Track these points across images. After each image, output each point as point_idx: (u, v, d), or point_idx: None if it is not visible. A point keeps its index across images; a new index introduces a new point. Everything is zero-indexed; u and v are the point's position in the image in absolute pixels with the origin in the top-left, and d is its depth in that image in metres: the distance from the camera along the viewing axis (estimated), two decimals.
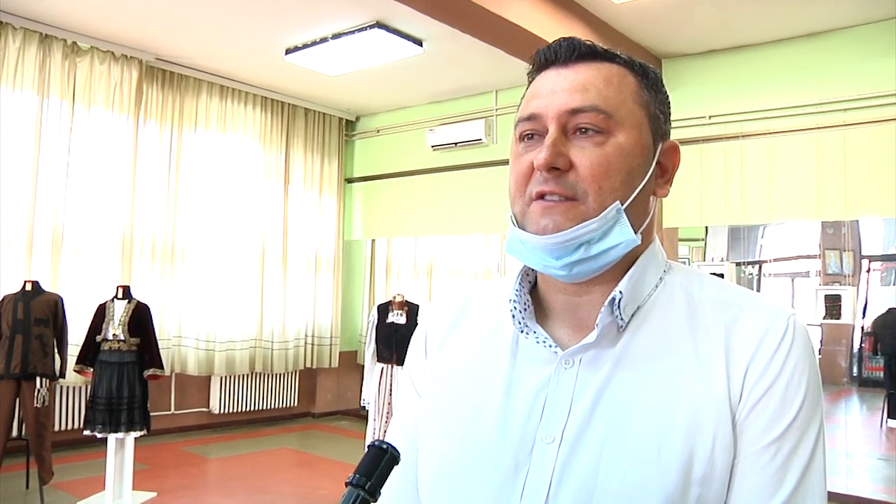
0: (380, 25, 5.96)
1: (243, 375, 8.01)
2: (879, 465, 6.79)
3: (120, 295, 5.36)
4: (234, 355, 7.76)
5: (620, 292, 0.89)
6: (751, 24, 5.72)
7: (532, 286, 0.99)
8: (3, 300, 5.25)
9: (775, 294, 9.64)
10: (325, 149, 8.83)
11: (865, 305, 9.10)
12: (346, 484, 0.76)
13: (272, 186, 8.23)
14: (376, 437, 5.70)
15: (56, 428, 6.28)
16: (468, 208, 7.80)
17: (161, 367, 5.42)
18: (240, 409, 8.04)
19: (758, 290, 9.34)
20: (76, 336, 5.72)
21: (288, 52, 6.67)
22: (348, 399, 9.02)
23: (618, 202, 0.88)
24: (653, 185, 0.94)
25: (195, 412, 7.77)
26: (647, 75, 0.95)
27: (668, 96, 0.99)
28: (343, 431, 8.23)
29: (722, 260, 9.04)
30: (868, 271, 9.21)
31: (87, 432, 5.16)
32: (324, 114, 8.80)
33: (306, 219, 8.58)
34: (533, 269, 0.97)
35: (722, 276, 7.96)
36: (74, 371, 5.36)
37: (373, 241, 9.25)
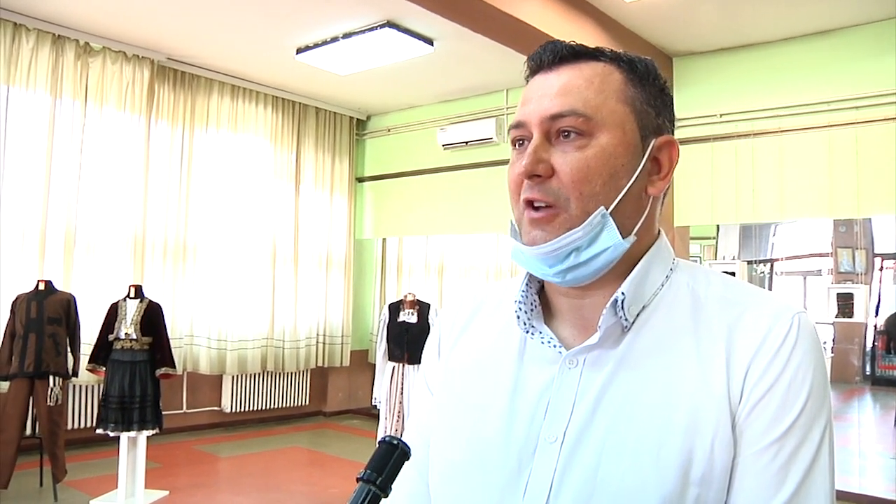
0: (390, 25, 5.97)
1: (255, 374, 8.03)
2: (892, 465, 6.75)
3: (132, 294, 5.39)
4: (246, 354, 7.78)
5: (623, 293, 0.89)
6: (762, 22, 5.70)
7: (541, 286, 1.00)
8: (16, 299, 5.29)
9: (787, 292, 9.60)
10: (336, 148, 8.84)
11: (878, 304, 9.05)
12: (358, 479, 0.76)
13: (283, 186, 8.25)
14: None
15: (69, 426, 6.31)
16: (479, 207, 7.80)
17: (173, 365, 5.45)
18: (251, 408, 8.06)
19: (769, 289, 9.31)
20: (89, 335, 5.74)
21: (299, 51, 6.68)
22: (359, 398, 9.03)
23: (602, 207, 0.88)
24: (644, 182, 0.93)
25: (207, 411, 7.80)
26: (634, 69, 0.94)
27: (663, 89, 0.97)
28: (354, 430, 8.25)
29: (733, 258, 9.00)
30: (881, 269, 9.16)
31: (99, 431, 5.18)
32: (335, 113, 8.81)
33: (317, 218, 8.59)
34: None
35: (733, 274, 7.94)
36: (87, 370, 5.38)
37: (384, 240, 9.25)
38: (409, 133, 8.63)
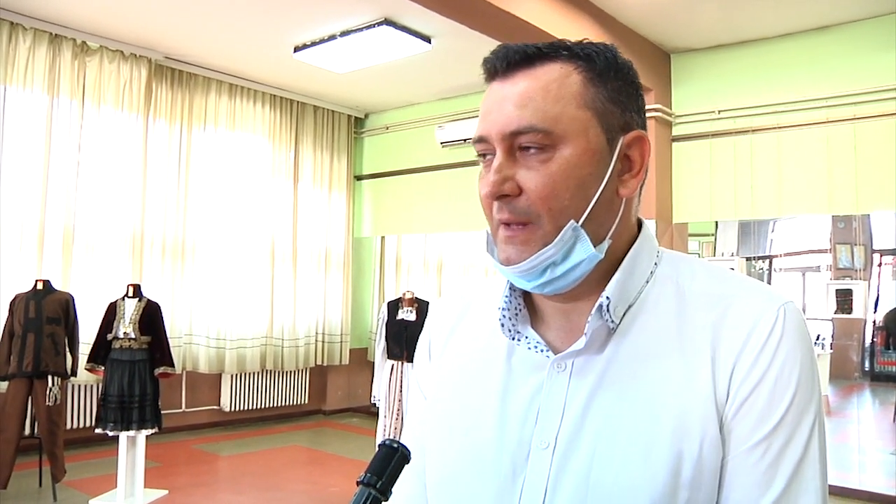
0: (388, 22, 5.96)
1: (254, 373, 8.03)
2: (892, 461, 6.75)
3: (131, 293, 5.38)
4: (245, 353, 7.78)
5: (608, 298, 0.88)
6: (760, 18, 5.70)
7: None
8: (14, 299, 5.29)
9: (785, 288, 9.59)
10: (335, 146, 8.83)
11: (877, 300, 9.05)
12: (358, 483, 0.76)
13: (282, 184, 8.25)
14: (387, 434, 5.72)
15: (68, 426, 6.31)
16: (477, 205, 7.69)
17: (172, 365, 5.44)
18: (250, 407, 8.06)
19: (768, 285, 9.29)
20: (87, 335, 5.74)
21: (296, 49, 6.67)
22: (359, 396, 9.02)
23: (572, 221, 0.86)
24: (615, 185, 0.90)
25: (206, 410, 7.80)
26: (593, 66, 0.89)
27: (628, 81, 0.92)
28: (354, 429, 8.25)
29: (732, 255, 9.00)
30: (879, 265, 9.15)
31: (98, 430, 5.18)
32: (333, 111, 8.80)
33: (316, 216, 8.59)
34: None
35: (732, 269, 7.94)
36: (86, 369, 5.38)
37: (382, 238, 9.25)
38: (408, 131, 8.63)
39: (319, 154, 8.67)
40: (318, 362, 8.59)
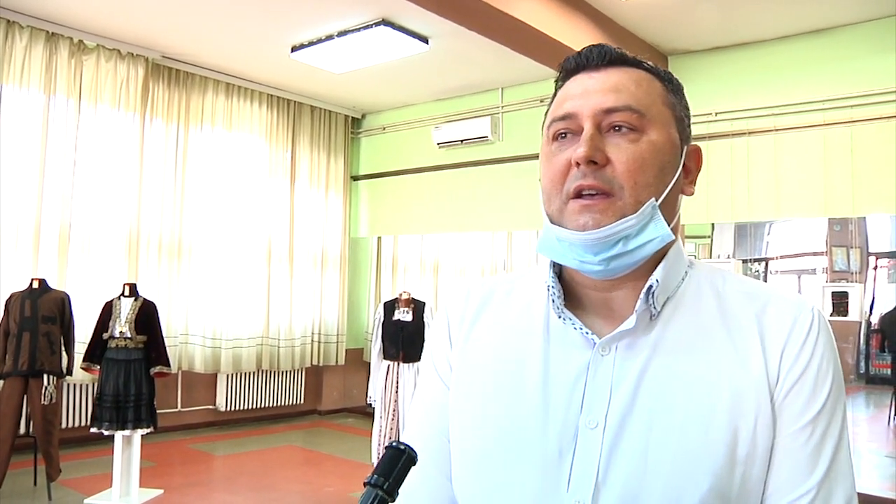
0: (386, 23, 5.96)
1: (250, 373, 8.02)
2: (887, 463, 6.77)
3: (126, 293, 5.37)
4: (241, 353, 7.77)
5: (657, 281, 0.92)
6: (757, 21, 5.71)
7: (559, 277, 1.00)
8: (10, 298, 5.28)
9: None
10: (332, 146, 8.84)
11: (872, 302, 9.07)
12: (365, 484, 0.77)
13: (278, 184, 8.24)
14: (382, 435, 5.72)
15: (63, 425, 6.28)
16: (474, 206, 7.80)
17: (168, 364, 5.44)
18: (246, 407, 8.06)
19: None
20: (83, 334, 5.73)
21: (294, 49, 6.67)
22: (354, 396, 9.02)
23: (653, 199, 0.92)
24: (681, 183, 0.98)
25: (202, 409, 7.79)
26: (671, 82, 1.00)
27: (688, 104, 1.03)
28: (349, 429, 8.25)
29: (728, 257, 9.00)
30: (875, 268, 9.18)
31: (94, 430, 5.17)
32: (330, 111, 8.80)
33: (312, 216, 8.59)
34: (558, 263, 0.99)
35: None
36: (81, 369, 5.38)
37: (379, 238, 9.25)
38: (404, 131, 8.63)
39: (316, 154, 8.67)
40: (314, 362, 8.58)
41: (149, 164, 7.04)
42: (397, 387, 5.83)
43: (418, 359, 5.81)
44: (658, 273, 0.93)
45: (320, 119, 8.73)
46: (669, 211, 0.95)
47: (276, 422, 8.26)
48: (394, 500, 0.77)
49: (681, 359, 0.91)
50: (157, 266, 7.10)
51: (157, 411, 5.40)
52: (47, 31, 6.33)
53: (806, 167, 5.78)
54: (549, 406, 0.93)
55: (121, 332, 5.20)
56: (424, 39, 6.29)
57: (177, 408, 7.52)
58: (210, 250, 7.54)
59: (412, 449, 0.80)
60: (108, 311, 5.32)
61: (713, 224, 8.59)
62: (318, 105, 8.62)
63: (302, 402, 8.65)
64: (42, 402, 5.10)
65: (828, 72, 5.74)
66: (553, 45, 5.27)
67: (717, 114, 6.20)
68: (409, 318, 5.90)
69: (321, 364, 8.66)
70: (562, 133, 0.95)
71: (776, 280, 9.67)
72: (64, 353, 5.33)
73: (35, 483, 5.42)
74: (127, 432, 5.15)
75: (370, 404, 6.11)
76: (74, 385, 6.54)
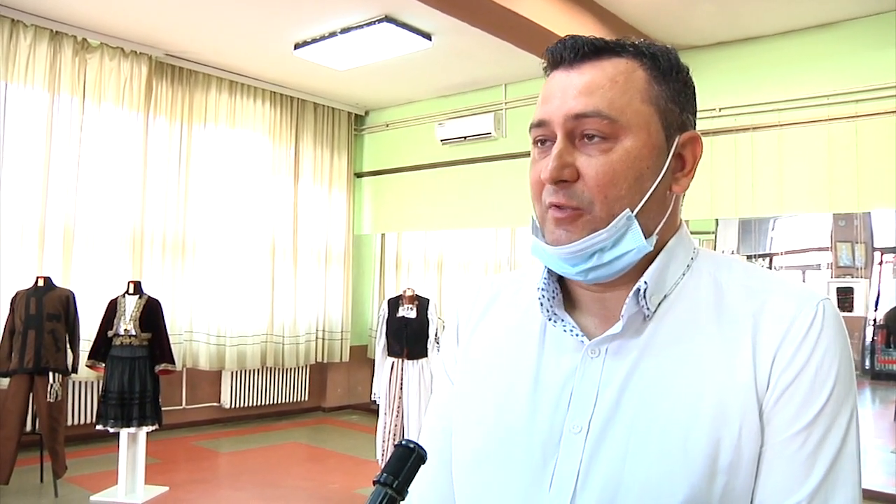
0: (388, 20, 5.96)
1: (254, 370, 8.03)
2: (892, 459, 6.76)
3: (131, 290, 5.39)
4: (245, 350, 7.78)
5: (645, 283, 0.89)
6: (761, 16, 5.69)
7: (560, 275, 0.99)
8: (15, 296, 5.29)
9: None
10: (335, 143, 8.84)
11: (878, 298, 9.07)
12: (374, 482, 0.77)
13: (282, 181, 8.25)
14: (386, 431, 5.73)
15: (69, 423, 6.31)
16: (478, 202, 7.79)
17: (172, 361, 5.45)
18: (251, 404, 8.07)
19: None
20: (88, 331, 5.75)
21: (297, 46, 6.67)
22: (359, 393, 9.03)
23: (627, 210, 0.88)
24: (668, 181, 0.93)
25: (206, 407, 7.81)
26: (657, 65, 0.92)
27: (687, 83, 0.96)
28: (354, 426, 8.25)
29: (732, 252, 9.01)
30: (880, 263, 9.17)
31: (99, 427, 5.19)
32: (333, 108, 8.80)
33: (316, 213, 8.59)
34: None
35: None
36: (86, 366, 5.39)
37: (382, 235, 9.25)
38: (408, 128, 8.63)
39: (320, 151, 8.67)
40: (319, 359, 8.59)
41: (152, 162, 7.05)
42: (401, 383, 5.83)
43: (422, 355, 5.82)
44: (648, 274, 0.90)
45: (324, 116, 8.73)
46: (652, 216, 0.91)
47: (281, 419, 8.28)
48: (403, 499, 0.77)
49: (668, 363, 0.88)
50: (161, 264, 7.11)
51: (162, 408, 5.42)
52: (51, 30, 6.33)
53: (810, 162, 5.76)
54: (538, 409, 0.93)
55: (125, 329, 5.21)
56: (427, 36, 6.28)
57: (181, 405, 7.54)
58: (214, 248, 7.55)
59: (421, 447, 0.79)
60: (112, 309, 5.33)
61: (717, 220, 8.58)
62: (321, 102, 8.62)
63: (306, 399, 8.66)
64: (48, 400, 5.11)
65: (832, 67, 5.72)
66: (556, 41, 5.26)
67: (721, 109, 6.18)
68: (413, 314, 5.90)
69: (325, 361, 8.67)
70: (540, 139, 0.93)
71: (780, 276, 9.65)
72: (69, 351, 5.35)
73: (41, 480, 5.43)
74: (132, 429, 5.17)
75: (374, 401, 6.11)
76: (80, 382, 6.55)
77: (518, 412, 0.94)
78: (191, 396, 7.65)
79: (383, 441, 5.79)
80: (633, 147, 0.88)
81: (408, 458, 0.78)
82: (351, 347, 8.89)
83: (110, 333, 5.24)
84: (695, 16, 5.74)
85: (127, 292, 5.38)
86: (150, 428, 5.28)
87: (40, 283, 5.31)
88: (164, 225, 7.15)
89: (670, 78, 0.93)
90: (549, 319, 0.95)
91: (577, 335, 0.93)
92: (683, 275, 0.94)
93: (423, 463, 0.79)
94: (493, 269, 9.02)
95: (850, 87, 5.59)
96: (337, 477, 6.10)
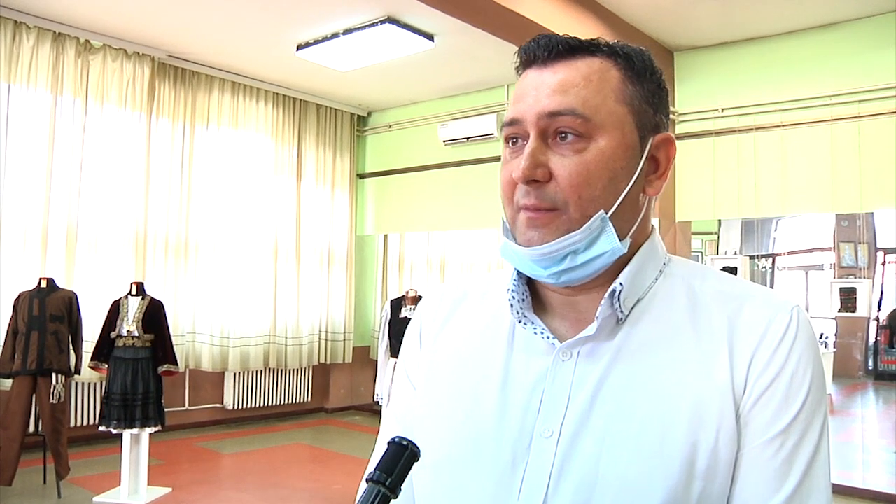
0: (391, 21, 5.96)
1: (257, 371, 8.04)
2: (895, 460, 6.75)
3: (134, 291, 5.39)
4: (248, 351, 7.79)
5: (621, 284, 0.88)
6: (763, 16, 5.69)
7: (530, 277, 0.97)
8: (18, 297, 5.30)
9: (789, 287, 9.60)
10: (337, 144, 8.84)
11: (881, 298, 9.05)
12: (367, 480, 0.76)
13: (284, 182, 8.25)
14: None
15: (72, 424, 6.31)
16: (480, 203, 7.79)
17: (175, 363, 5.45)
18: (254, 405, 8.07)
19: (771, 284, 9.32)
20: (91, 332, 5.74)
21: (299, 47, 6.67)
22: (362, 394, 9.04)
23: (602, 211, 0.87)
24: (642, 183, 0.92)
25: (209, 408, 7.81)
26: (632, 65, 0.91)
27: (660, 85, 0.94)
28: (356, 427, 8.25)
29: (735, 253, 8.99)
30: (883, 264, 9.15)
31: (102, 428, 5.19)
32: (335, 109, 8.80)
33: (319, 214, 8.59)
34: None
35: (735, 269, 7.94)
36: (89, 367, 5.39)
37: (385, 236, 9.25)
38: (410, 129, 8.63)
39: (322, 152, 8.67)
40: (321, 360, 8.59)
41: (155, 164, 7.05)
42: None
43: None
44: (623, 276, 0.89)
45: (326, 117, 8.73)
46: (626, 218, 0.90)
47: (284, 420, 8.28)
48: (397, 497, 0.75)
49: (643, 366, 0.87)
50: (164, 265, 7.12)
51: (165, 410, 5.42)
52: (54, 32, 6.34)
53: (813, 163, 5.76)
54: (507, 412, 0.91)
55: (128, 330, 5.22)
56: (430, 37, 6.29)
57: (184, 406, 7.54)
58: (217, 249, 7.55)
59: (414, 444, 0.77)
60: (115, 310, 5.34)
61: (720, 220, 8.58)
62: (323, 103, 8.63)
63: (309, 400, 8.66)
64: (51, 401, 5.12)
65: (835, 67, 5.72)
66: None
67: (723, 109, 6.18)
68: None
69: (328, 362, 8.67)
70: (513, 138, 0.91)
71: (783, 276, 9.64)
72: (72, 352, 5.35)
73: (44, 481, 5.44)
74: (135, 431, 5.17)
75: (377, 402, 6.12)
76: (82, 384, 6.56)
77: (486, 415, 0.92)
78: (194, 397, 7.65)
79: None
80: (607, 147, 0.87)
81: (401, 456, 0.77)
82: (354, 348, 8.89)
83: (113, 334, 5.24)
84: (697, 16, 5.74)
85: (130, 293, 5.39)
86: (153, 429, 5.28)
87: (43, 284, 5.31)
88: (167, 226, 7.16)
89: (644, 79, 0.92)
90: (519, 322, 0.94)
91: (547, 338, 0.92)
92: (656, 279, 0.93)
93: (417, 460, 0.77)
94: (496, 270, 9.00)
95: (852, 88, 5.59)
96: (340, 478, 6.10)
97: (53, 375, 5.13)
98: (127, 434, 5.16)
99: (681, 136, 6.41)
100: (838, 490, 5.33)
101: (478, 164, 7.83)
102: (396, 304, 6.04)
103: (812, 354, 0.86)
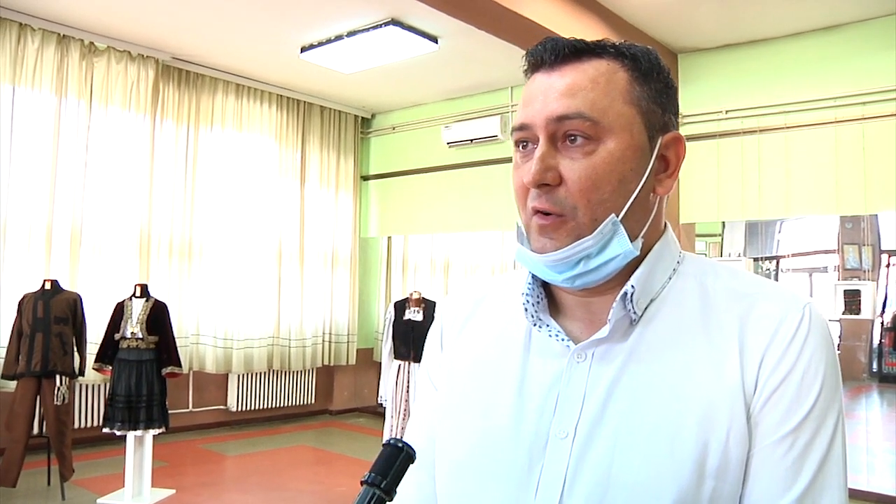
0: (395, 23, 5.96)
1: (261, 373, 8.04)
2: None
3: (138, 293, 5.39)
4: (252, 353, 7.79)
5: (633, 286, 0.89)
6: (767, 18, 5.68)
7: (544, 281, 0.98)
8: (23, 299, 5.30)
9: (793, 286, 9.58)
10: (341, 146, 8.84)
11: (885, 300, 9.04)
12: (362, 483, 0.76)
13: (288, 184, 8.26)
14: (394, 434, 5.71)
15: (76, 425, 6.33)
16: (484, 205, 7.79)
17: (179, 364, 5.45)
18: (257, 407, 8.07)
19: None
20: (95, 334, 5.76)
21: (303, 49, 6.68)
22: (365, 396, 9.03)
23: (613, 215, 0.87)
24: (652, 183, 0.92)
25: (213, 410, 7.81)
26: (639, 66, 0.92)
27: (668, 83, 0.95)
28: (360, 429, 8.25)
29: (739, 255, 8.99)
30: (888, 266, 9.14)
31: (106, 430, 5.19)
32: (339, 111, 8.81)
33: (323, 216, 8.60)
34: None
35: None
36: (93, 369, 5.40)
37: (389, 238, 9.26)
38: (414, 131, 8.63)
39: (326, 154, 8.68)
40: (325, 362, 8.59)
41: (159, 166, 7.06)
42: (408, 386, 5.83)
43: None
44: (635, 278, 0.89)
45: (330, 119, 8.74)
46: (638, 219, 0.90)
47: (288, 422, 8.28)
48: (392, 499, 0.75)
49: (655, 367, 0.88)
50: (168, 267, 7.13)
51: (169, 411, 5.42)
52: (58, 34, 6.35)
53: (817, 164, 5.75)
54: (523, 414, 0.92)
55: (132, 332, 5.22)
56: (434, 39, 6.29)
57: (188, 408, 7.55)
58: (221, 251, 7.56)
59: (410, 446, 0.78)
60: (119, 312, 5.34)
61: (724, 222, 8.58)
62: (327, 105, 8.63)
63: (313, 402, 8.66)
64: (55, 403, 5.13)
65: (839, 69, 5.71)
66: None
67: (727, 112, 6.17)
68: (419, 317, 5.90)
69: (332, 364, 8.67)
70: (523, 142, 0.92)
71: (787, 278, 9.63)
72: (76, 354, 5.36)
73: (49, 483, 5.44)
74: (139, 432, 5.17)
75: (381, 404, 6.11)
76: (87, 385, 6.57)
77: (503, 417, 0.93)
78: (197, 399, 7.66)
79: None
80: (616, 149, 0.87)
81: (396, 458, 0.77)
82: (357, 350, 8.89)
83: (117, 336, 5.25)
84: (700, 18, 5.74)
85: (134, 295, 5.39)
86: (157, 431, 5.28)
87: (47, 286, 5.32)
88: (171, 228, 7.16)
89: (651, 79, 0.92)
90: (534, 325, 0.95)
91: (562, 340, 0.93)
92: (670, 279, 0.94)
93: (412, 463, 0.78)
94: (500, 272, 9.02)
95: (856, 90, 5.58)
96: (344, 480, 6.10)
97: (58, 377, 5.14)
98: (131, 436, 5.17)
99: (685, 138, 6.40)
100: None
101: (481, 166, 7.83)
102: (400, 307, 6.04)
103: (825, 352, 0.85)
